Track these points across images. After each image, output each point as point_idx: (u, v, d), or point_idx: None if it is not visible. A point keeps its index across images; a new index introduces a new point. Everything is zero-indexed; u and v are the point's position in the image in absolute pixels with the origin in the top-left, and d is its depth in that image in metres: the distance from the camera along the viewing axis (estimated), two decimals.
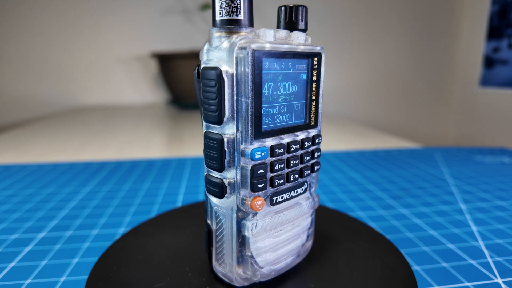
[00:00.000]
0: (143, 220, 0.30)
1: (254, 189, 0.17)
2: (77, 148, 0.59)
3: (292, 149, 0.19)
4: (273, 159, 0.18)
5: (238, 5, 0.16)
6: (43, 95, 1.18)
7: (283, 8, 0.19)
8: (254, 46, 0.16)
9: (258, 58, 0.16)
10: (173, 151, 0.56)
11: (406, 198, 0.36)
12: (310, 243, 0.23)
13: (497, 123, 1.34)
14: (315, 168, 0.21)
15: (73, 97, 1.21)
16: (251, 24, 0.17)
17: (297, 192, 0.20)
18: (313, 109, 0.20)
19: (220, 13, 0.16)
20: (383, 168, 0.46)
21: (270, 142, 0.18)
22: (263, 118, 0.17)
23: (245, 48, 0.16)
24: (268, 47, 0.16)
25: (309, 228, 0.22)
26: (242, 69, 0.16)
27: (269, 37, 0.17)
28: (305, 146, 0.20)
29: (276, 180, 0.18)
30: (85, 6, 1.15)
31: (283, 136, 0.19)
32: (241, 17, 0.16)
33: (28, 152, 0.56)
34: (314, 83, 0.19)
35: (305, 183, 0.21)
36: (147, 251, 0.24)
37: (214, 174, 0.18)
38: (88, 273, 0.22)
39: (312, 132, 0.20)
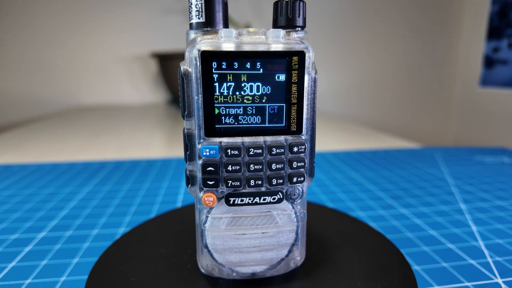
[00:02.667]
0: (143, 220, 0.30)
1: (204, 185, 0.18)
2: (77, 148, 0.59)
3: (252, 153, 0.18)
4: (227, 159, 0.18)
5: (200, 9, 0.17)
6: (43, 95, 1.18)
7: (278, 4, 0.18)
8: (203, 46, 0.17)
9: (207, 58, 0.17)
10: (173, 151, 0.56)
11: (406, 198, 0.36)
12: (294, 261, 0.21)
13: (497, 123, 1.34)
14: (294, 180, 0.19)
15: (73, 97, 1.21)
16: (223, 25, 0.18)
17: (264, 199, 0.19)
18: (293, 113, 0.18)
19: (189, 17, 0.18)
20: (383, 168, 0.46)
21: (226, 141, 0.18)
22: (223, 118, 0.18)
23: (195, 49, 0.17)
24: (223, 47, 0.17)
25: (292, 244, 0.20)
26: (193, 68, 0.17)
27: (229, 37, 0.17)
28: (274, 153, 0.18)
29: (230, 181, 0.18)
30: (85, 6, 1.15)
31: (246, 138, 0.18)
32: (203, 19, 0.17)
33: (28, 152, 0.56)
34: (294, 85, 0.18)
35: (279, 193, 0.19)
36: (148, 250, 0.24)
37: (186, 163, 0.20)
38: (88, 273, 0.22)
39: (291, 139, 0.19)
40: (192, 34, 0.18)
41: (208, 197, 0.19)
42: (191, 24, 0.18)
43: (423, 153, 0.54)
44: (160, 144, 0.62)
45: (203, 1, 0.17)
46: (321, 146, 0.61)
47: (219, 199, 0.19)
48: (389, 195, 0.36)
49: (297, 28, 0.18)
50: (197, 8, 0.17)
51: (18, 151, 0.57)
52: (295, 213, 0.20)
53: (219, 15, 0.17)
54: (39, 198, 0.35)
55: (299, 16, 0.18)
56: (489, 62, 1.36)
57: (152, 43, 1.20)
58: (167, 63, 0.99)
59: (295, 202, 0.20)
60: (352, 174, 0.43)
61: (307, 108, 0.18)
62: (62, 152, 0.56)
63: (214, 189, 0.19)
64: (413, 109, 1.51)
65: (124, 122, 0.85)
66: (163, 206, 0.33)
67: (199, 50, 0.17)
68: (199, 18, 0.17)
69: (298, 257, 0.21)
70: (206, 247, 0.20)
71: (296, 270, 0.22)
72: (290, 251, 0.20)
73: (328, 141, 0.65)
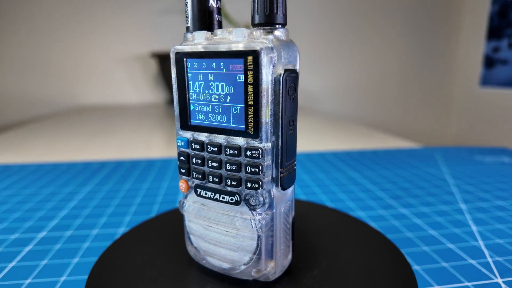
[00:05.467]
0: (143, 220, 0.30)
1: (179, 171, 0.21)
2: (77, 148, 0.59)
3: (209, 150, 0.19)
4: (193, 152, 0.20)
5: (187, 15, 0.19)
6: (44, 95, 1.18)
7: (254, 0, 0.17)
8: (177, 48, 0.19)
9: (179, 59, 0.19)
10: (173, 151, 0.56)
11: (406, 198, 0.36)
12: (257, 272, 0.20)
13: (497, 123, 1.34)
14: (248, 185, 0.18)
15: (73, 97, 1.21)
16: (216, 27, 0.19)
17: (223, 198, 0.19)
18: (250, 116, 0.17)
19: (186, 21, 0.20)
20: (383, 168, 0.46)
21: (194, 136, 0.20)
22: (196, 114, 0.19)
23: (171, 51, 0.19)
24: (192, 48, 0.18)
25: (254, 253, 0.19)
26: (171, 68, 0.19)
27: (200, 38, 0.18)
28: (228, 153, 0.18)
29: (194, 173, 0.20)
30: (85, 6, 1.15)
31: (212, 135, 0.19)
32: (189, 24, 0.19)
33: (28, 152, 0.56)
34: (250, 86, 0.17)
35: (236, 195, 0.19)
36: (147, 250, 0.24)
37: None
38: (88, 273, 0.22)
39: (248, 143, 0.18)
40: (187, 37, 0.19)
41: (182, 183, 0.21)
42: (187, 28, 0.19)
43: (423, 153, 0.54)
44: (160, 144, 0.62)
45: (191, 7, 0.19)
46: (321, 146, 0.61)
47: (191, 187, 0.20)
48: (389, 195, 0.36)
49: (276, 26, 0.17)
50: (186, 14, 0.19)
51: (18, 151, 0.57)
52: (254, 219, 0.19)
53: (207, 19, 0.19)
54: (39, 198, 0.35)
55: (278, 13, 0.17)
56: (489, 62, 1.36)
57: (152, 43, 1.20)
58: (167, 63, 0.99)
59: (255, 210, 0.19)
60: (352, 174, 0.43)
61: (268, 112, 0.17)
62: (62, 152, 0.56)
63: (187, 177, 0.20)
64: (413, 109, 1.51)
65: (124, 122, 0.85)
66: (163, 206, 0.33)
67: (172, 52, 0.19)
68: (188, 23, 0.19)
69: (262, 268, 0.20)
70: (185, 227, 0.22)
71: (291, 269, 0.22)
72: (251, 259, 0.19)
73: (328, 141, 0.65)
